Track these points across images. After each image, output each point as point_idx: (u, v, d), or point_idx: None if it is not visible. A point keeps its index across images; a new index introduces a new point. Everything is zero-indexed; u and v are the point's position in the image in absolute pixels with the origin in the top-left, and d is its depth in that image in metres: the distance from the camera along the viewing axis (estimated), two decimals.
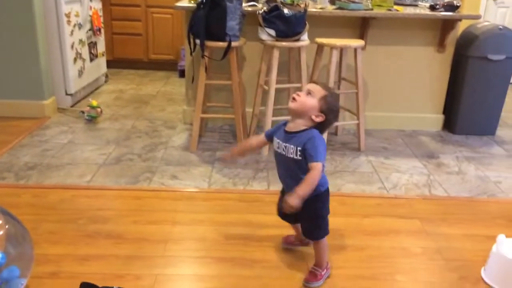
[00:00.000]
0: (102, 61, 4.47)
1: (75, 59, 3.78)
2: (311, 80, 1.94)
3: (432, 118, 3.64)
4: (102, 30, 4.40)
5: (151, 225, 2.13)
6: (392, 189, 2.63)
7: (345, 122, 3.41)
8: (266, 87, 2.98)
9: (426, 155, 3.16)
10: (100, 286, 1.36)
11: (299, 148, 1.60)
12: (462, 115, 3.52)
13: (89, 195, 2.39)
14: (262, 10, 2.81)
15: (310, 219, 1.75)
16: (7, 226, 1.60)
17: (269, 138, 1.76)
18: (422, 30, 3.37)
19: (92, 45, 4.17)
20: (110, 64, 4.87)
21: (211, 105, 3.31)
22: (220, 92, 3.36)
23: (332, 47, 2.91)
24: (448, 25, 3.29)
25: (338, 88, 3.28)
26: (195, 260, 1.91)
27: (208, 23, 2.73)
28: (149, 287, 1.71)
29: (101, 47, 4.41)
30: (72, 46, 3.71)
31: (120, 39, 5.09)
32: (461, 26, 3.42)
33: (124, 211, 2.24)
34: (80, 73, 3.90)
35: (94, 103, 3.52)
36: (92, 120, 3.49)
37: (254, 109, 3.19)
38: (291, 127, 1.65)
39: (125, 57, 5.16)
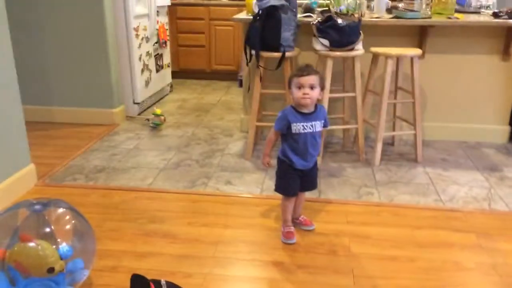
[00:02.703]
0: (167, 72, 4.72)
1: (142, 70, 4.04)
2: (302, 71, 1.98)
3: (497, 129, 3.48)
4: (168, 43, 4.66)
5: (204, 227, 2.25)
6: (448, 201, 2.56)
7: (402, 132, 3.36)
8: (320, 97, 3.01)
9: (488, 167, 3.03)
10: (149, 278, 1.48)
11: (322, 121, 2.05)
12: None
13: (150, 197, 2.55)
14: (316, 21, 2.86)
15: (316, 173, 2.20)
16: (73, 222, 1.77)
17: (283, 129, 2.03)
18: (485, 38, 3.25)
19: (158, 57, 4.43)
20: (175, 74, 5.13)
21: (266, 113, 3.39)
22: (275, 101, 3.44)
23: (387, 57, 2.89)
24: None
25: (395, 98, 3.24)
26: (244, 262, 1.98)
27: (263, 34, 2.83)
28: (198, 285, 1.81)
29: (166, 59, 4.67)
30: (140, 58, 3.97)
31: (185, 51, 5.35)
32: None
33: (180, 213, 2.37)
34: (147, 83, 4.16)
35: (158, 111, 3.74)
36: (156, 127, 3.70)
37: None
38: (307, 110, 2.01)
39: (189, 68, 5.41)
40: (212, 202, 2.50)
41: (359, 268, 1.94)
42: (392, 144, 3.42)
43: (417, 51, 2.96)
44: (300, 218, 2.26)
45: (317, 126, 2.02)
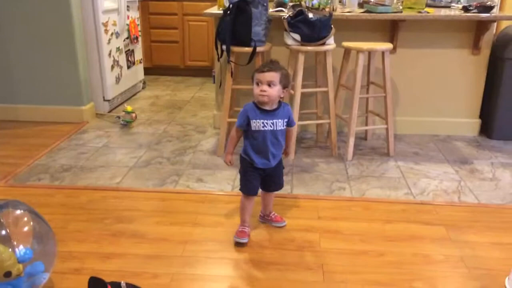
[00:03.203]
0: (139, 68, 4.63)
1: (112, 67, 3.94)
2: (262, 67, 1.94)
3: (468, 122, 3.52)
4: (140, 38, 4.57)
5: (173, 226, 2.20)
6: (419, 195, 2.57)
7: (374, 126, 3.37)
8: (292, 92, 2.99)
9: (459, 160, 3.06)
10: (108, 281, 1.43)
11: (285, 120, 1.99)
12: (499, 119, 3.39)
13: (118, 196, 2.49)
14: (287, 15, 2.83)
15: (281, 173, 2.13)
16: (32, 223, 1.70)
17: (243, 126, 1.98)
18: (455, 32, 3.28)
19: (130, 53, 4.34)
20: (148, 71, 5.04)
21: (238, 109, 3.34)
22: (247, 97, 3.37)
23: (359, 51, 2.88)
24: (482, 26, 3.18)
25: (367, 92, 3.24)
26: (213, 260, 1.95)
27: (234, 29, 2.78)
28: (165, 286, 1.76)
29: (138, 55, 4.58)
30: (109, 54, 3.88)
31: (158, 47, 5.26)
32: (499, 28, 3.30)
33: (149, 212, 2.32)
34: (118, 80, 4.07)
35: (129, 108, 3.66)
36: (127, 124, 3.62)
37: None
38: (268, 106, 1.94)
39: (162, 64, 5.32)
40: (182, 200, 2.46)
41: (329, 263, 1.92)
42: (365, 138, 3.43)
43: (388, 46, 2.96)
44: (271, 215, 2.23)
45: (279, 124, 1.96)
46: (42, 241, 1.70)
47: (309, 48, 2.85)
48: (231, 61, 2.88)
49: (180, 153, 3.11)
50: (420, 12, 3.15)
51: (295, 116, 2.93)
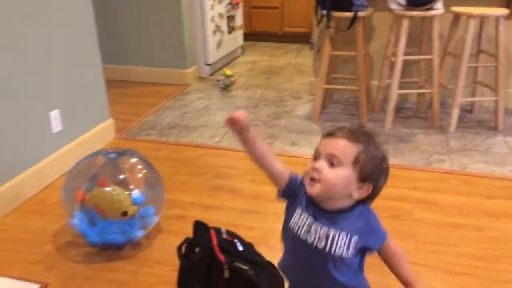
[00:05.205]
0: (239, 34, 4.75)
1: (214, 32, 4.10)
2: (335, 129, 1.05)
3: None
4: (240, 4, 4.66)
5: (266, 185, 2.25)
6: None
7: (483, 98, 3.15)
8: (393, 59, 2.90)
9: None
10: (210, 226, 1.55)
11: (356, 238, 1.02)
12: None
13: (216, 154, 2.65)
14: None
15: None
16: (145, 171, 1.89)
17: (288, 185, 1.10)
18: None
19: (231, 19, 4.46)
20: (247, 37, 5.14)
21: (337, 76, 3.33)
22: (347, 63, 3.36)
23: (469, 16, 2.69)
24: None
25: (476, 61, 3.03)
26: None
27: None
28: (259, 238, 1.87)
29: (239, 21, 4.68)
30: (212, 19, 4.02)
31: (257, 13, 5.32)
32: None
33: (244, 171, 2.44)
34: (219, 44, 4.22)
35: (229, 72, 3.81)
36: (226, 88, 3.78)
37: (380, 81, 3.13)
38: (323, 200, 1.03)
39: (261, 30, 5.39)
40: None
41: (420, 233, 1.90)
42: (471, 111, 3.22)
43: (504, 11, 2.72)
44: None
45: (339, 242, 1.01)
46: (152, 187, 1.89)
47: (414, 13, 2.72)
48: (331, 27, 2.85)
49: (276, 117, 3.19)
50: None
51: (394, 84, 2.85)
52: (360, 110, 2.99)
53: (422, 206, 2.09)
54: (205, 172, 2.43)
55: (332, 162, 0.98)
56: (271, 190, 2.20)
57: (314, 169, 0.99)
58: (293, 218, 1.07)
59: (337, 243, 1.01)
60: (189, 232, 1.80)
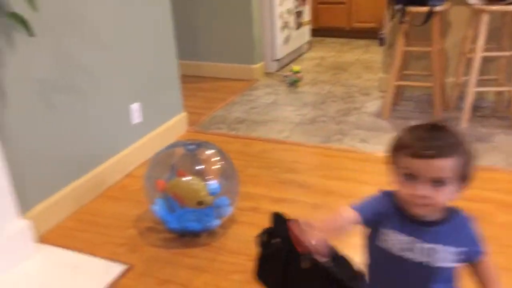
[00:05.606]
0: (306, 30, 4.75)
1: (282, 28, 4.12)
2: (422, 142, 0.95)
3: None
4: (308, 0, 4.65)
5: (338, 180, 2.30)
6: None
7: None
8: (471, 55, 2.78)
9: None
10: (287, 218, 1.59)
11: (458, 249, 1.00)
12: None
13: (286, 148, 2.68)
14: None
15: None
16: (221, 163, 1.96)
17: (366, 217, 1.05)
18: None
19: (299, 14, 4.47)
20: (314, 32, 5.12)
21: (408, 73, 3.25)
22: (419, 60, 3.26)
23: None
24: None
25: None
26: None
27: None
28: None
29: (306, 16, 4.68)
30: (280, 15, 4.05)
31: (325, 8, 5.28)
32: None
33: (314, 166, 2.46)
34: (286, 40, 4.25)
35: (296, 68, 3.82)
36: (293, 84, 3.80)
37: (457, 78, 3.02)
38: (422, 214, 1.00)
39: (328, 26, 5.35)
40: (347, 158, 2.54)
41: (504, 237, 1.82)
42: None
43: None
44: None
45: (441, 254, 0.99)
46: (228, 179, 1.95)
47: (495, 7, 2.59)
48: (405, 22, 2.79)
49: (344, 114, 3.17)
50: None
51: (471, 81, 2.74)
52: (435, 108, 2.90)
53: (505, 209, 2.01)
54: (275, 166, 2.47)
55: (437, 182, 0.95)
56: (342, 185, 2.22)
57: (423, 197, 0.95)
58: (386, 239, 1.04)
59: (440, 256, 1.00)
60: (262, 223, 1.84)
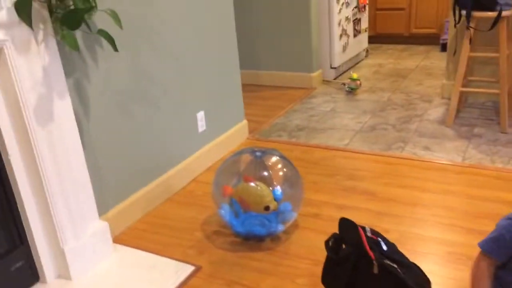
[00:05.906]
0: (364, 37, 4.73)
1: (340, 36, 4.14)
2: None
3: None
4: (367, 7, 4.64)
5: (401, 188, 2.29)
6: None
7: None
8: None
9: None
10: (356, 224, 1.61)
11: None
12: None
13: (346, 156, 2.69)
14: None
15: None
16: (285, 169, 2.01)
17: (500, 256, 1.13)
18: None
19: (356, 22, 4.46)
20: (371, 39, 5.09)
21: (473, 79, 3.16)
22: (485, 66, 3.17)
23: None
24: None
25: None
26: (442, 225, 1.98)
27: None
28: (395, 240, 1.86)
29: (364, 23, 4.66)
30: (339, 23, 4.07)
31: (383, 15, 5.23)
32: None
33: (377, 173, 2.45)
34: (344, 48, 4.25)
35: (355, 76, 3.82)
36: (352, 91, 3.80)
37: None
38: None
39: (386, 32, 5.29)
40: (409, 166, 2.51)
41: None
42: None
43: None
44: None
45: None
46: (292, 185, 2.00)
47: None
48: (471, 27, 2.73)
49: (406, 121, 3.13)
50: None
51: None
52: (502, 115, 2.80)
53: None
54: (336, 173, 2.49)
55: None
56: (406, 194, 2.21)
57: None
58: None
59: None
60: (325, 229, 1.89)
